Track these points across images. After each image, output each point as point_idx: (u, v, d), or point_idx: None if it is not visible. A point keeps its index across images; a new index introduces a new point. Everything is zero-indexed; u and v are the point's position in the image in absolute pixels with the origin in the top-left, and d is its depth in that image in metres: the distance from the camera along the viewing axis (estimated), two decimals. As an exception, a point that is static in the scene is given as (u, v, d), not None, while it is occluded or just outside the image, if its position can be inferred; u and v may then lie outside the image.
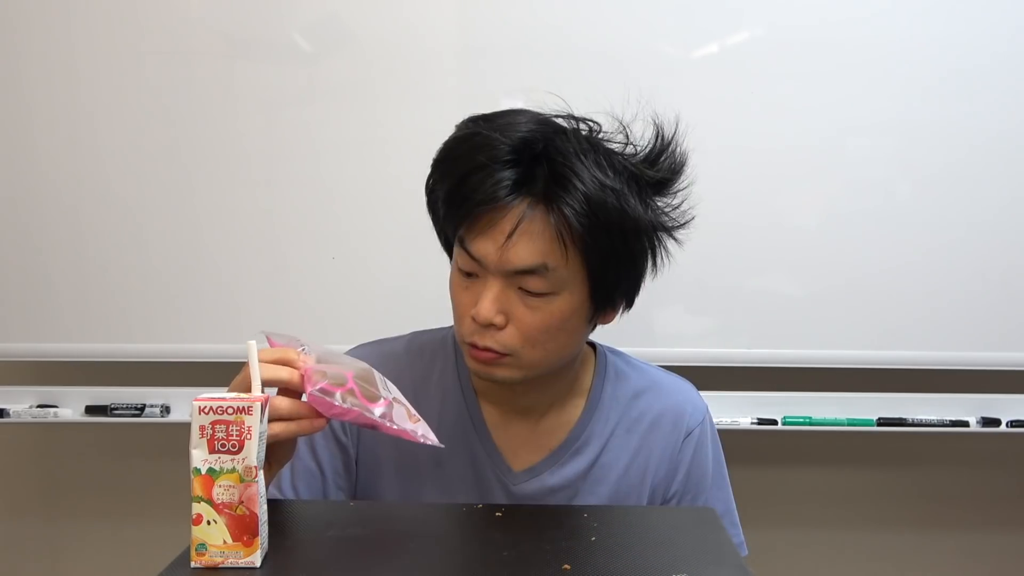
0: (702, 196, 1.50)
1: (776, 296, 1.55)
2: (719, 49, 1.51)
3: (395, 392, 0.91)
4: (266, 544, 0.80)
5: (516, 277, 0.96)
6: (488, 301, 0.96)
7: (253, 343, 0.81)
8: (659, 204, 1.01)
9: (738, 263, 1.54)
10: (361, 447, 1.09)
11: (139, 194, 1.55)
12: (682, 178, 1.03)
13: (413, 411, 0.90)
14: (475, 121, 1.00)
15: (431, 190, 1.02)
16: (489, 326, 0.97)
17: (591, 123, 1.01)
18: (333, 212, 1.54)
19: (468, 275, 0.98)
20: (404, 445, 1.08)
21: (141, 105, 1.53)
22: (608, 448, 1.09)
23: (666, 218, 1.01)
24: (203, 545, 0.78)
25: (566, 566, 0.77)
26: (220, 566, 0.77)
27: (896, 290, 1.52)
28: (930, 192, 1.51)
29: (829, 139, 1.51)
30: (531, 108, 1.01)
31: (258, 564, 0.77)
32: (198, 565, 0.78)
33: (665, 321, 1.53)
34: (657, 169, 1.01)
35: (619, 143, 1.01)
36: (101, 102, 1.53)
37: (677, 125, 1.03)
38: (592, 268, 0.97)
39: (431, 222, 1.05)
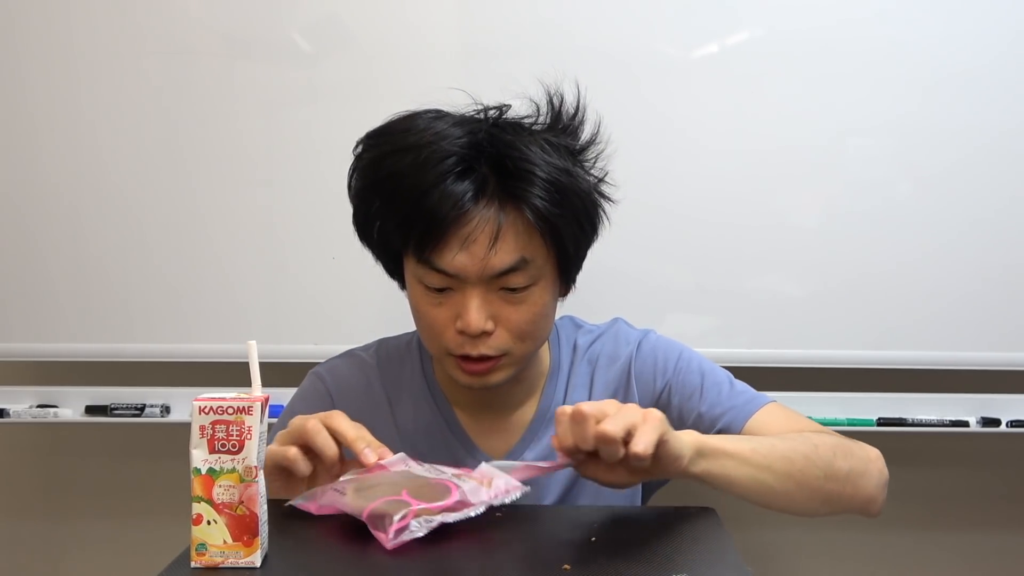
0: (702, 196, 1.51)
1: (776, 296, 1.54)
2: (719, 49, 1.51)
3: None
4: (266, 544, 0.80)
5: (497, 279, 0.96)
6: (474, 311, 0.96)
7: (253, 343, 0.81)
8: (586, 167, 1.03)
9: (738, 263, 1.53)
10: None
11: (139, 194, 1.55)
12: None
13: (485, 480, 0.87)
14: (379, 138, 1.00)
15: (365, 220, 1.02)
16: (481, 334, 0.97)
17: (503, 107, 1.02)
18: (333, 212, 1.53)
19: (438, 290, 0.98)
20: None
21: (141, 105, 1.53)
22: (568, 401, 1.10)
23: (593, 178, 1.02)
24: (203, 545, 0.78)
25: (566, 566, 0.77)
26: (220, 566, 0.77)
27: (896, 290, 1.52)
28: (930, 192, 1.51)
29: (829, 139, 1.51)
30: (426, 109, 1.01)
31: (258, 564, 0.77)
32: (198, 565, 0.78)
33: (665, 321, 1.53)
34: (579, 136, 1.02)
35: (530, 119, 1.02)
36: (101, 102, 1.53)
37: (579, 88, 1.04)
38: (561, 249, 0.98)
39: (371, 252, 1.05)
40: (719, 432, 1.03)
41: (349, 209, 1.60)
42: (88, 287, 1.56)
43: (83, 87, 1.53)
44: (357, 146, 1.02)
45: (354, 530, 0.84)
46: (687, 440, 0.87)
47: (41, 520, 1.81)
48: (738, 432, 1.03)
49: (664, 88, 1.51)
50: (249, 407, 0.76)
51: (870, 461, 1.01)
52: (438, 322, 0.99)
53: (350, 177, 1.02)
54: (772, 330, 1.54)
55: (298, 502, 0.89)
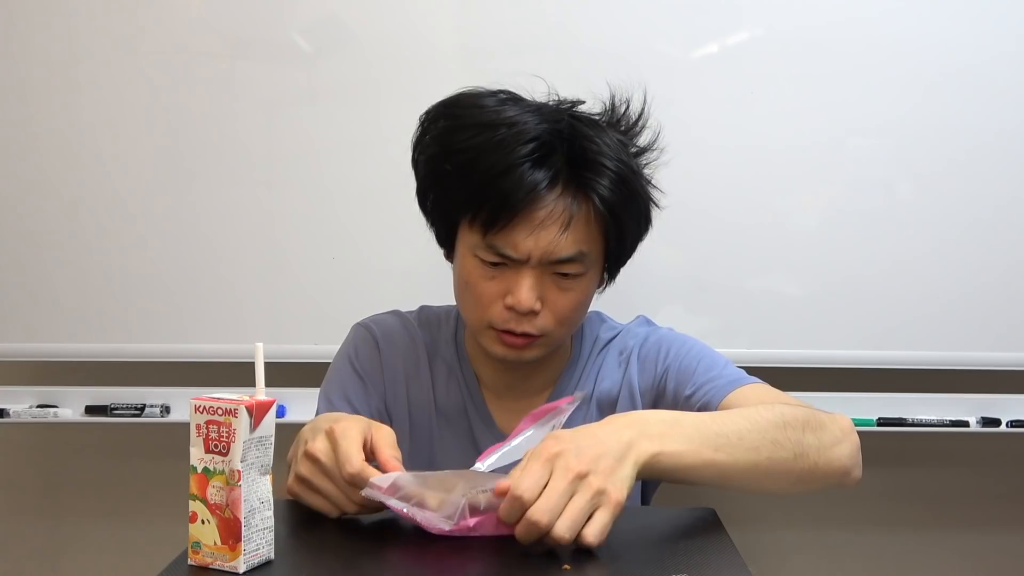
0: (703, 196, 1.51)
1: (776, 296, 1.54)
2: (719, 49, 1.51)
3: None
4: (266, 551, 0.78)
5: (553, 264, 0.99)
6: (527, 290, 0.99)
7: (260, 345, 0.81)
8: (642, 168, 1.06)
9: (738, 263, 1.53)
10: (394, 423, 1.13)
11: (139, 194, 1.55)
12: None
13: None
14: (453, 108, 1.02)
15: (427, 188, 1.04)
16: (528, 313, 1.00)
17: (577, 102, 1.06)
18: (333, 212, 1.54)
19: (493, 264, 1.01)
20: (419, 417, 1.13)
21: (141, 105, 1.53)
22: (578, 390, 1.13)
23: (646, 180, 1.06)
24: (198, 543, 0.77)
25: (566, 566, 0.77)
26: (210, 566, 0.77)
27: (896, 290, 1.52)
28: (930, 192, 1.51)
29: (829, 139, 1.51)
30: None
31: (241, 571, 0.76)
32: (193, 563, 0.77)
33: (665, 321, 1.53)
34: (639, 139, 1.07)
35: (600, 116, 1.05)
36: (101, 102, 1.53)
37: (645, 95, 1.08)
38: (612, 243, 1.02)
39: (426, 219, 1.08)
40: (700, 409, 1.03)
41: (349, 209, 1.60)
42: (88, 287, 1.56)
43: (83, 87, 1.53)
44: (426, 114, 1.04)
45: (352, 530, 0.84)
46: (630, 464, 0.82)
47: (41, 520, 1.81)
48: (715, 408, 1.02)
49: (665, 87, 1.50)
50: (235, 410, 0.75)
51: (842, 431, 0.98)
52: (487, 295, 1.02)
53: (416, 144, 1.04)
54: (772, 330, 1.54)
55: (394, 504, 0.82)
